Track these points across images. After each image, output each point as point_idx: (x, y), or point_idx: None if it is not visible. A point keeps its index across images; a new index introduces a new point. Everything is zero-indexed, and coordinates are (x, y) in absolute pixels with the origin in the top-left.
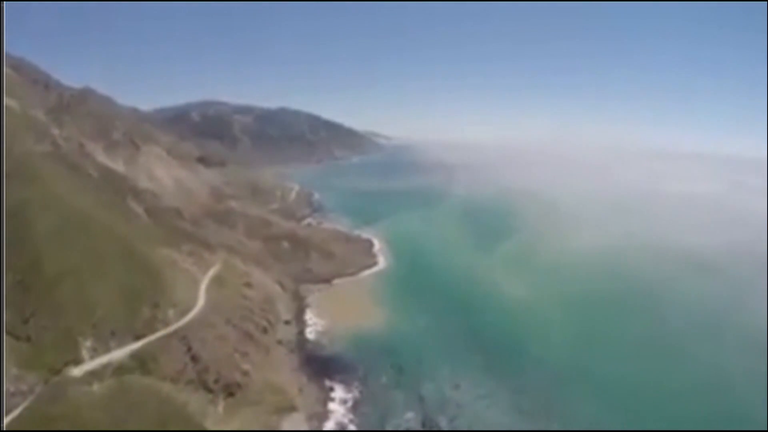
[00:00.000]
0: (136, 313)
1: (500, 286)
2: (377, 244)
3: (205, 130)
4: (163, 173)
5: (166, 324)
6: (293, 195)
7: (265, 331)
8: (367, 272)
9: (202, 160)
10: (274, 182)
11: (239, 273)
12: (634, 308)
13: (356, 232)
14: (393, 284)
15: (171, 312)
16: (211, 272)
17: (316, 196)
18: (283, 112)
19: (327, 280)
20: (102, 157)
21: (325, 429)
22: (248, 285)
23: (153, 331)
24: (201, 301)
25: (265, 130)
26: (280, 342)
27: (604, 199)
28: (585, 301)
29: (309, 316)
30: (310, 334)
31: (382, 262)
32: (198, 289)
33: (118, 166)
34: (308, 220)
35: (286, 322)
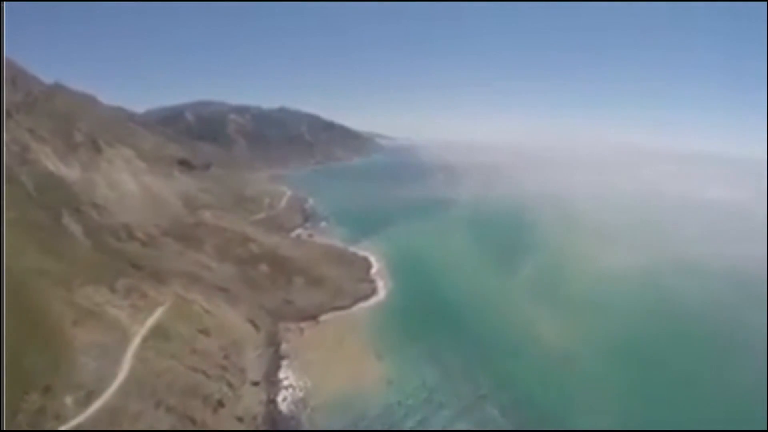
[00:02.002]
0: (16, 403)
1: (528, 325)
2: (375, 265)
3: (199, 131)
4: (127, 180)
5: (60, 419)
6: (284, 202)
7: (220, 404)
8: (362, 305)
9: (185, 164)
10: (263, 187)
11: (195, 315)
12: (709, 355)
13: (351, 247)
14: (395, 323)
15: (69, 400)
16: (153, 319)
17: (310, 201)
18: (281, 112)
19: (313, 317)
20: (52, 163)
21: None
22: (205, 332)
23: None
24: (122, 375)
25: (262, 130)
26: (240, 420)
27: (626, 205)
28: (643, 349)
29: (285, 373)
30: (284, 402)
31: (381, 290)
32: (123, 353)
33: (73, 172)
34: (298, 231)
35: (254, 384)
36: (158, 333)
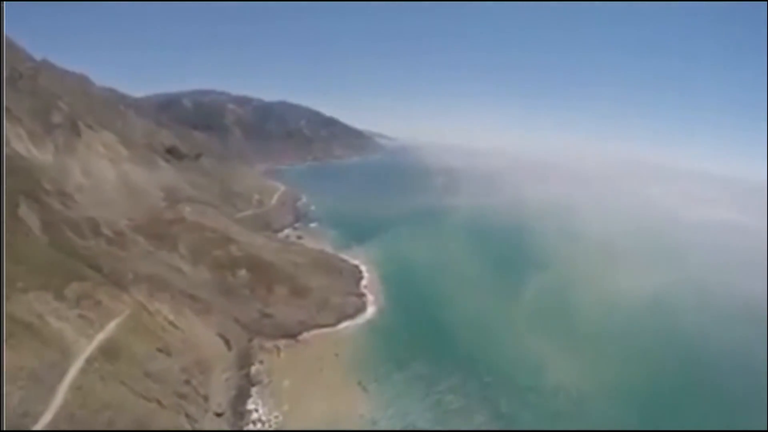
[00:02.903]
0: None
1: (531, 357)
2: (367, 275)
3: (196, 119)
4: (105, 167)
5: None
6: (275, 198)
7: None
8: (349, 323)
9: (173, 152)
10: (255, 182)
11: (156, 328)
12: (727, 408)
13: (342, 254)
14: (383, 347)
15: None
16: (105, 333)
17: (304, 199)
18: (282, 105)
19: (292, 335)
20: (24, 145)
21: None
22: (165, 350)
23: None
24: (52, 410)
25: (260, 122)
26: None
27: (634, 225)
28: (655, 397)
29: (255, 402)
30: None
31: (370, 306)
32: (60, 379)
33: (45, 156)
34: (287, 231)
35: (218, 415)
36: (108, 352)
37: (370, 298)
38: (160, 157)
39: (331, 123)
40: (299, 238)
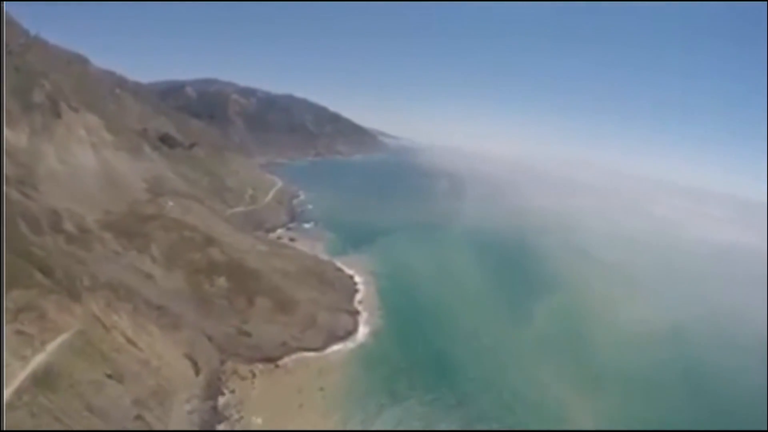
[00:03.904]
0: None
1: (543, 398)
2: (362, 289)
3: (198, 108)
4: (85, 153)
5: None
6: (270, 194)
7: None
8: (338, 347)
9: (165, 140)
10: (251, 175)
11: (110, 347)
12: None
13: (338, 260)
14: (375, 378)
15: None
16: (45, 355)
17: (302, 196)
18: (288, 98)
19: (271, 359)
20: None
21: None
22: (117, 377)
23: None
24: None
25: (264, 115)
26: None
27: (644, 244)
28: None
29: None
30: None
31: (363, 328)
32: None
33: (18, 138)
34: (279, 232)
35: None
36: (44, 379)
37: (364, 316)
38: (150, 145)
39: (335, 119)
40: (292, 240)
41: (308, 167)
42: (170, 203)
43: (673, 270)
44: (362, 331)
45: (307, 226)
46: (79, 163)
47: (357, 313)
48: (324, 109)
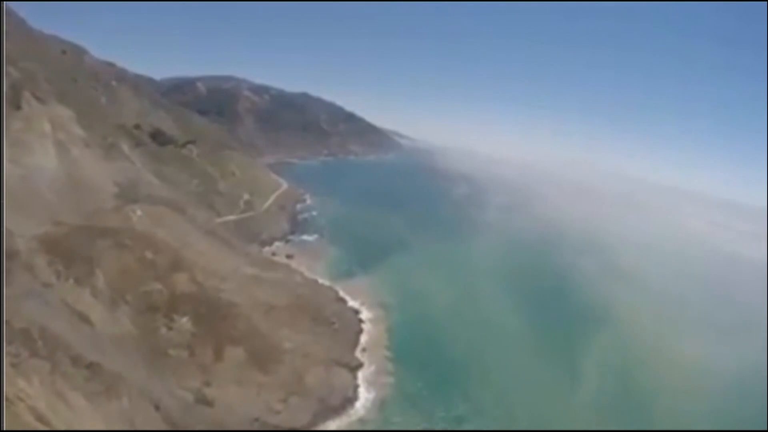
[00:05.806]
0: None
1: None
2: (369, 328)
3: (207, 104)
4: (45, 151)
5: None
6: (272, 199)
7: None
8: (330, 424)
9: (157, 137)
10: (251, 177)
11: (8, 428)
12: None
13: (340, 286)
14: None
15: None
16: None
17: (307, 201)
18: (302, 97)
19: None
20: None
21: None
22: None
23: None
24: None
25: (277, 112)
26: None
27: (687, 263)
28: None
29: None
30: None
31: (366, 390)
32: None
33: None
34: (276, 245)
35: None
36: None
37: (368, 372)
38: (131, 142)
39: (351, 119)
40: (289, 257)
41: (319, 167)
42: (138, 213)
43: (727, 298)
44: (364, 397)
45: (309, 238)
46: (36, 164)
47: (359, 367)
48: (338, 108)
